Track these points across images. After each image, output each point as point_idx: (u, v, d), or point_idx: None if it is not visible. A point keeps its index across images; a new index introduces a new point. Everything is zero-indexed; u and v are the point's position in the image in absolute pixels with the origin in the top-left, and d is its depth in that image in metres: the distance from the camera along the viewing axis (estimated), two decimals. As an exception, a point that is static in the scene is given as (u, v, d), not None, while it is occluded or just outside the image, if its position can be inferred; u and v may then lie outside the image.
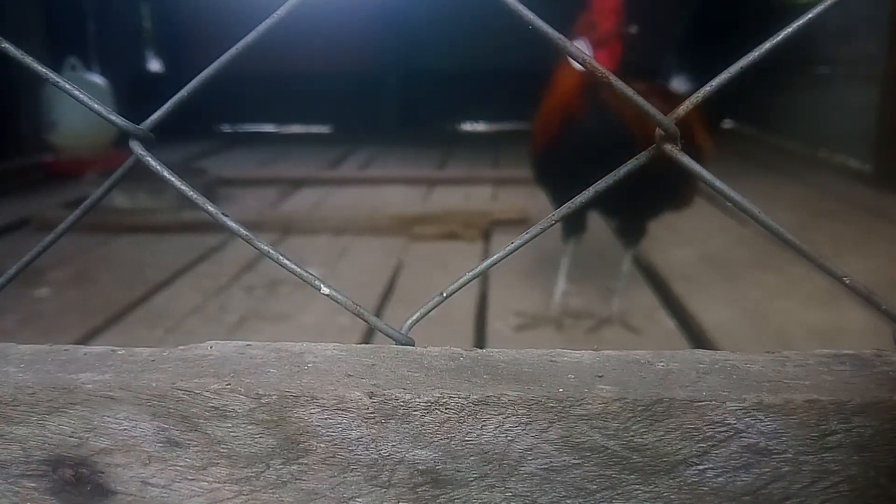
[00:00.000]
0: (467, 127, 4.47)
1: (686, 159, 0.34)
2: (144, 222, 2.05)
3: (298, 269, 0.35)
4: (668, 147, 0.34)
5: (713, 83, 0.34)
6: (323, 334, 1.29)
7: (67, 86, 0.33)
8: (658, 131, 0.34)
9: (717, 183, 0.34)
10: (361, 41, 4.11)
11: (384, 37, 4.11)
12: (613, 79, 0.33)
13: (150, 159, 0.35)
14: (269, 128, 4.51)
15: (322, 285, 0.36)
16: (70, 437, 0.33)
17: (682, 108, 0.35)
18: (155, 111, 0.37)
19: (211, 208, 0.35)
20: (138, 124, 0.37)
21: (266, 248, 0.35)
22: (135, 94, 3.57)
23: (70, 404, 0.33)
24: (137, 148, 0.35)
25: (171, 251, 1.84)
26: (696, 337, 1.27)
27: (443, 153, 3.49)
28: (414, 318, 0.38)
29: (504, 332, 1.31)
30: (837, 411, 0.31)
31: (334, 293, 0.36)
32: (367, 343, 1.09)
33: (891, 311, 0.35)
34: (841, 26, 2.69)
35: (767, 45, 0.34)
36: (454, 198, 2.43)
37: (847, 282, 0.35)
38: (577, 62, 0.34)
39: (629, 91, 0.33)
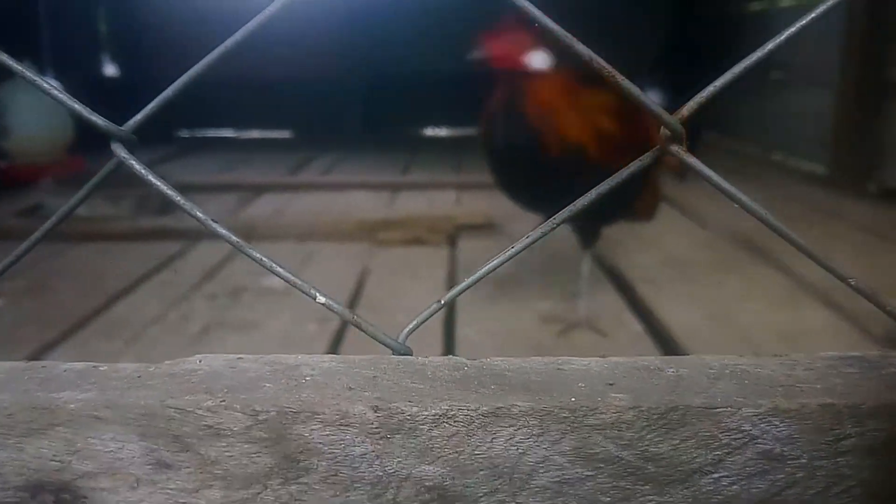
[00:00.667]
0: (430, 132, 4.46)
1: (693, 160, 0.34)
2: (102, 230, 1.99)
3: (293, 278, 0.34)
4: (675, 148, 0.33)
5: (716, 84, 0.34)
6: (290, 342, 1.27)
7: (46, 85, 0.31)
8: (663, 131, 0.34)
9: (725, 184, 0.33)
10: (322, 45, 4.06)
11: (346, 41, 4.07)
12: (620, 78, 0.32)
13: (133, 162, 0.33)
14: (228, 132, 4.44)
15: (318, 294, 0.34)
16: (51, 460, 0.31)
17: (687, 109, 0.34)
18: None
19: (199, 214, 0.33)
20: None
21: (258, 255, 0.34)
22: (90, 99, 3.48)
23: (51, 425, 0.31)
24: (120, 151, 0.33)
25: (129, 259, 1.79)
26: (664, 340, 1.28)
27: (406, 158, 3.47)
28: (411, 325, 0.36)
29: (473, 338, 1.30)
30: (851, 415, 0.31)
31: (330, 302, 0.34)
32: (335, 351, 1.06)
33: (894, 311, 0.35)
34: (795, 32, 2.74)
35: (770, 45, 0.34)
36: (418, 203, 2.42)
37: (852, 283, 0.35)
38: (580, 60, 0.33)
39: (635, 90, 0.33)
